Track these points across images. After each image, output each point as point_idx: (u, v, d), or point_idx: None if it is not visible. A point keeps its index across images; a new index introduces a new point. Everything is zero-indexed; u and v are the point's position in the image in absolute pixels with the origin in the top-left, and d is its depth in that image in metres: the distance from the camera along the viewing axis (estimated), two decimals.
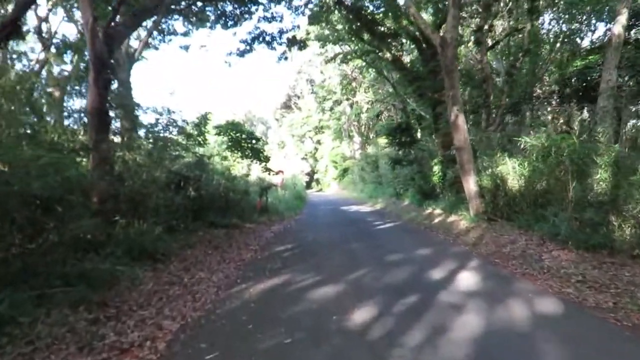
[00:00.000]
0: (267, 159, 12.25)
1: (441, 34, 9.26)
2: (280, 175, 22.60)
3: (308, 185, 47.67)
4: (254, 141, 12.19)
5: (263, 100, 79.23)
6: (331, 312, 3.85)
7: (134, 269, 4.83)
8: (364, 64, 23.16)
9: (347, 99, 30.85)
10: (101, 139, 6.18)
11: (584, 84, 11.21)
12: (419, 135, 17.29)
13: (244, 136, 12.24)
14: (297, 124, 46.30)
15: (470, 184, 8.38)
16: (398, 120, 21.50)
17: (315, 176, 48.90)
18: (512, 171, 7.82)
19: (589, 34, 12.94)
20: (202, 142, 11.10)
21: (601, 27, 13.66)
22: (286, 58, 14.46)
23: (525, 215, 7.20)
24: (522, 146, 7.52)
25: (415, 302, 4.12)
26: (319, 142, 45.76)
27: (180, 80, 77.16)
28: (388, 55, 12.64)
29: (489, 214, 8.16)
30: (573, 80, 11.46)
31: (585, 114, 10.97)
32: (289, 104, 52.18)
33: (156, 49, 13.89)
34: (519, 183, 7.60)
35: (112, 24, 6.83)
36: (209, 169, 11.08)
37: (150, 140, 8.89)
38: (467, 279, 4.96)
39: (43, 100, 10.34)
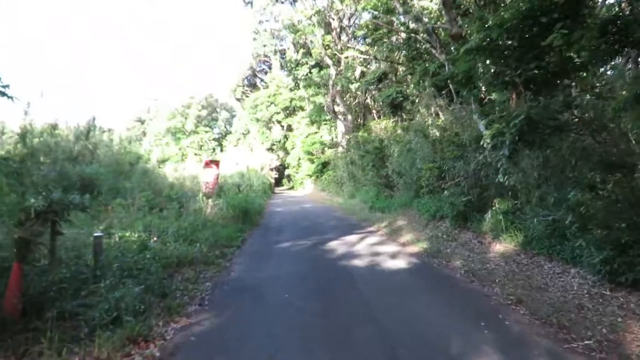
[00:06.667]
0: None
1: None
2: (211, 171, 12.15)
3: (278, 183, 37.42)
4: None
5: (225, 83, 68.10)
6: None
7: None
8: None
9: (334, 57, 20.68)
10: None
11: None
12: None
13: None
14: (263, 104, 35.61)
15: None
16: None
17: (286, 171, 38.43)
18: None
19: None
20: None
21: None
22: None
23: None
24: None
25: None
26: (289, 127, 35.31)
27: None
28: None
29: None
30: None
31: None
32: (254, 82, 41.47)
33: None
34: None
35: None
36: None
37: None
38: None
39: None
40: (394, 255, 6.95)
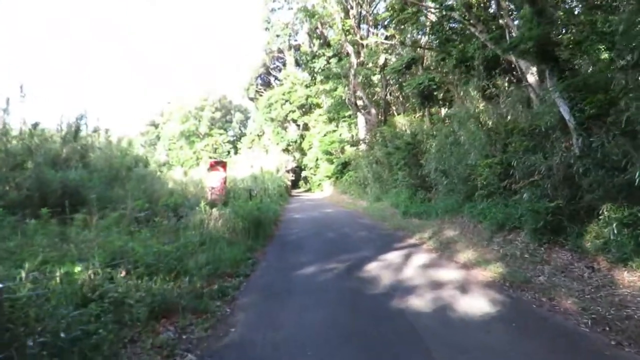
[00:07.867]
0: None
1: None
2: (217, 174, 10.34)
3: (294, 185, 35.73)
4: None
5: (238, 82, 66.89)
6: None
7: None
8: None
9: (354, 46, 18.70)
10: None
11: None
12: None
13: None
14: (277, 103, 33.88)
15: None
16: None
17: (303, 173, 36.57)
18: None
19: None
20: None
21: None
22: None
23: None
24: None
25: None
26: (306, 126, 33.45)
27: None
28: None
29: None
30: None
31: None
32: (268, 80, 39.91)
33: None
34: None
35: None
36: None
37: None
38: None
39: None
40: (462, 287, 4.91)
